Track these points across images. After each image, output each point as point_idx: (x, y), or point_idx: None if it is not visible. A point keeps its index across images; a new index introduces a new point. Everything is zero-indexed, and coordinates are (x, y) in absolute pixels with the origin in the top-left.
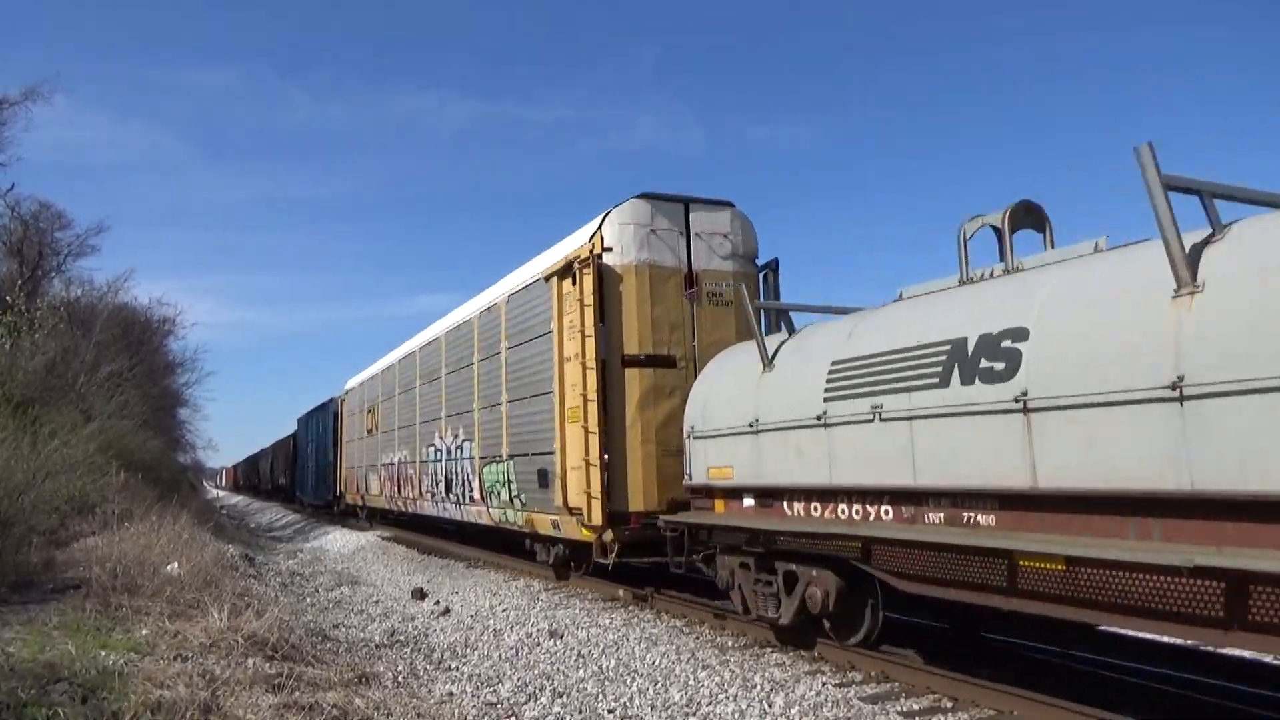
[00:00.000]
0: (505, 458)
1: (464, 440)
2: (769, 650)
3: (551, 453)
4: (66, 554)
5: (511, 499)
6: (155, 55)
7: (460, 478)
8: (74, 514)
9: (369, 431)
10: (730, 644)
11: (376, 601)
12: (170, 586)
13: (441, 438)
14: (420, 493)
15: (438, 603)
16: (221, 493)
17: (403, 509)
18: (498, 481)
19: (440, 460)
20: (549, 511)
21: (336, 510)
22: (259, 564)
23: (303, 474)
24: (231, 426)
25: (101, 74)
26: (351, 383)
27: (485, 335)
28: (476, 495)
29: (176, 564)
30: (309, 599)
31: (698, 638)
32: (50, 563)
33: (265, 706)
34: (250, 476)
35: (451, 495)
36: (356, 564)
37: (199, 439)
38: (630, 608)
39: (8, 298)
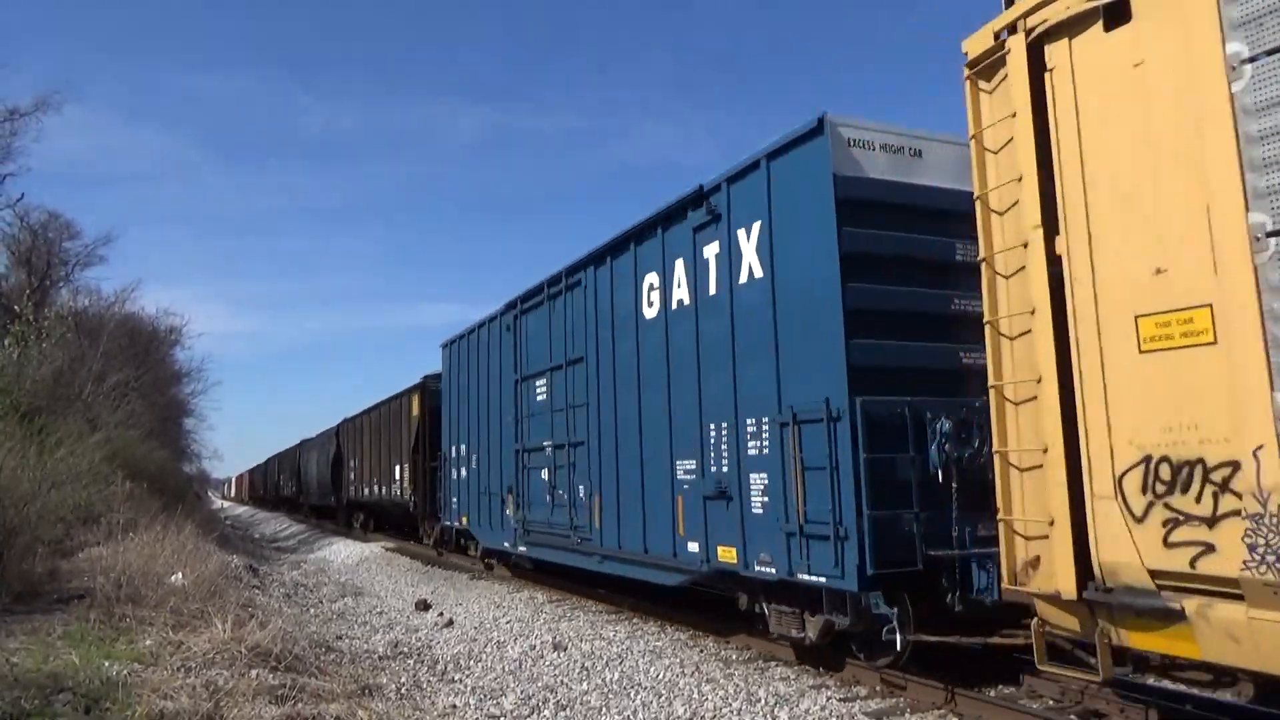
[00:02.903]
0: None
1: None
2: (773, 664)
3: None
4: (71, 564)
5: None
6: (167, 59)
7: None
8: (79, 524)
9: None
10: (735, 657)
11: (380, 613)
12: (174, 597)
13: None
14: None
15: (441, 614)
16: (228, 503)
17: None
18: None
19: None
20: None
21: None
22: (263, 575)
23: (523, 478)
24: (236, 437)
25: (113, 78)
26: None
27: None
28: None
29: (181, 574)
30: (313, 610)
31: (702, 651)
32: (55, 573)
33: (269, 718)
34: (286, 484)
35: None
36: (360, 575)
37: (204, 449)
38: (634, 620)
39: (16, 307)
